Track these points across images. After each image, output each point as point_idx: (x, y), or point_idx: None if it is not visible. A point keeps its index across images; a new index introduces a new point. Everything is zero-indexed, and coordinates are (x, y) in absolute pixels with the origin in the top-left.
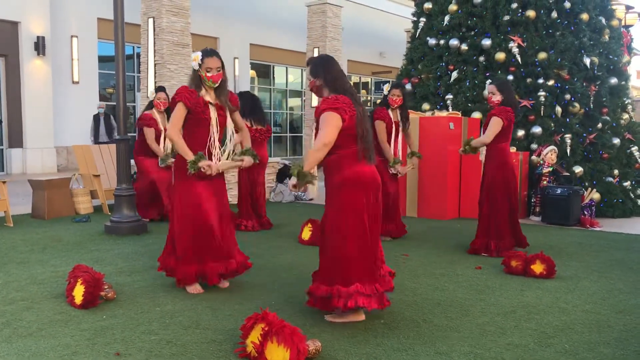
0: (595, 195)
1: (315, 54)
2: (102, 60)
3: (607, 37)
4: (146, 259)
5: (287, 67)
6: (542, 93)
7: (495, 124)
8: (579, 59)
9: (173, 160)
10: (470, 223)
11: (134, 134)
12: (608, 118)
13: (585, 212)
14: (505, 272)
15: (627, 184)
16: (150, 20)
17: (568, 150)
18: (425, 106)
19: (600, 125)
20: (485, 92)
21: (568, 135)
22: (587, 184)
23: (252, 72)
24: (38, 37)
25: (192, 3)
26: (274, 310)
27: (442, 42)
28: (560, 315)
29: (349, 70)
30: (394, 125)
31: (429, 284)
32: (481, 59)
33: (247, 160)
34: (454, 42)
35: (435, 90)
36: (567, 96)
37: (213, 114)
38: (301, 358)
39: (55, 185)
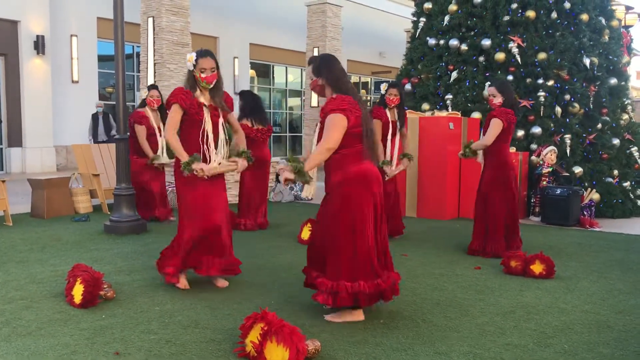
0: (595, 196)
1: (315, 54)
2: (102, 59)
3: (606, 37)
4: (145, 259)
5: (286, 67)
6: (541, 93)
7: (496, 126)
8: (579, 60)
9: (161, 161)
10: (470, 223)
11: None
12: (608, 118)
13: (585, 213)
14: (504, 272)
15: (626, 184)
16: (150, 20)
17: (568, 151)
18: (425, 106)
19: (599, 125)
20: (485, 93)
21: (568, 136)
22: (586, 184)
23: (252, 72)
24: (38, 36)
25: (191, 2)
26: (273, 309)
27: (442, 42)
28: (559, 316)
29: (349, 70)
30: (391, 125)
31: (428, 284)
32: (481, 59)
33: (242, 164)
34: (453, 42)
35: (435, 90)
36: (567, 96)
37: (207, 115)
38: (300, 358)
39: (54, 184)
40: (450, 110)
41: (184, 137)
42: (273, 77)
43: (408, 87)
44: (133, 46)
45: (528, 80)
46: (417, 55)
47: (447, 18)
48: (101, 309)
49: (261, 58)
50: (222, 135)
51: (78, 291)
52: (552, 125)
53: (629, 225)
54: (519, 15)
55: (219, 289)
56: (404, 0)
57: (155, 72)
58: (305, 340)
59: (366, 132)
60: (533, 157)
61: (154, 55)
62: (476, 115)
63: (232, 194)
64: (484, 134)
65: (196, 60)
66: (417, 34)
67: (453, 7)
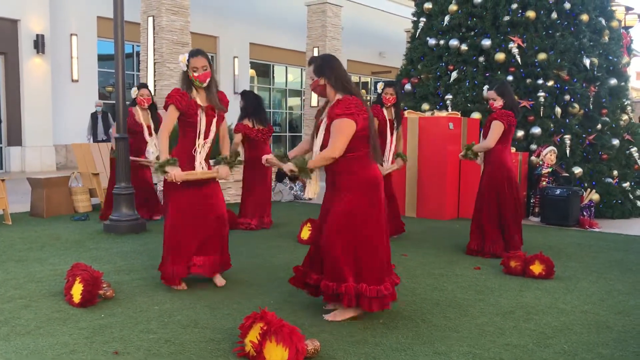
0: (595, 196)
1: (315, 54)
2: (102, 58)
3: (606, 38)
4: (145, 258)
5: (286, 67)
6: (541, 94)
7: (497, 128)
8: (579, 60)
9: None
10: (470, 223)
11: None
12: (607, 119)
13: (585, 213)
14: (504, 273)
15: (626, 185)
16: (150, 19)
17: (567, 151)
18: (425, 106)
19: (599, 126)
20: (485, 94)
21: (567, 136)
22: (586, 184)
23: (252, 72)
24: (37, 35)
25: (191, 2)
26: (272, 309)
27: (442, 42)
28: (559, 316)
29: (349, 70)
30: (388, 124)
31: (428, 284)
32: (481, 59)
33: (223, 171)
34: (453, 42)
35: (435, 91)
36: (567, 97)
37: (202, 116)
38: (300, 357)
39: (54, 183)
40: (450, 110)
41: (182, 137)
42: (273, 77)
43: (408, 87)
44: (133, 45)
45: (528, 80)
46: (417, 55)
47: (447, 18)
48: (100, 308)
49: (261, 58)
50: (211, 136)
51: (77, 290)
52: (551, 125)
53: (629, 225)
54: (519, 15)
55: (218, 288)
56: (404, 0)
57: (155, 72)
58: (304, 340)
59: (373, 133)
60: (533, 158)
61: (154, 55)
62: (476, 115)
63: (232, 194)
64: (483, 136)
65: (188, 60)
66: (417, 34)
67: (453, 7)
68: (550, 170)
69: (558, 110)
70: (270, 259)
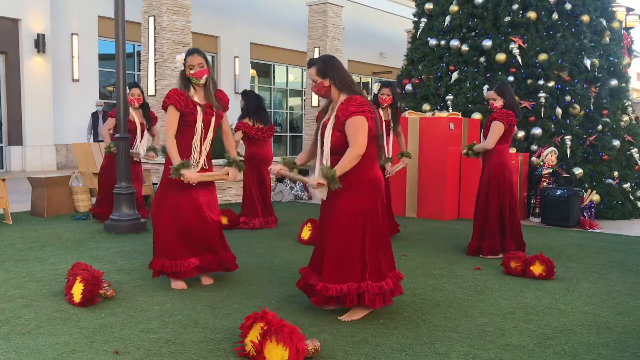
0: (595, 197)
1: (316, 54)
2: (103, 58)
3: (607, 39)
4: (145, 258)
5: (287, 67)
6: (542, 94)
7: (497, 129)
8: (580, 61)
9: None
10: (470, 224)
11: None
12: (608, 120)
13: (585, 214)
14: (504, 273)
15: (626, 185)
16: (151, 19)
17: (568, 152)
18: (426, 107)
19: (600, 127)
20: (485, 94)
21: (568, 137)
22: (586, 185)
23: (253, 71)
24: (38, 35)
25: (192, 2)
26: (273, 309)
27: (442, 42)
28: (559, 317)
29: (349, 70)
30: (384, 124)
31: (428, 285)
32: (482, 59)
33: (232, 174)
34: (454, 42)
35: (436, 91)
36: (568, 98)
37: (200, 115)
38: (300, 357)
39: (54, 183)
40: (450, 110)
41: (180, 136)
42: (274, 77)
43: (409, 87)
44: (134, 45)
45: (529, 81)
46: (418, 56)
47: (448, 19)
48: (101, 308)
49: (262, 58)
50: (210, 135)
51: (78, 290)
52: (552, 126)
53: (629, 226)
54: (520, 16)
55: (219, 288)
56: (405, 1)
57: (156, 72)
58: (305, 340)
59: (379, 133)
60: (533, 158)
61: (155, 55)
62: (477, 115)
63: (233, 194)
64: (484, 136)
65: (185, 59)
66: (418, 34)
67: (454, 8)
68: (550, 171)
69: (559, 111)
70: (270, 259)
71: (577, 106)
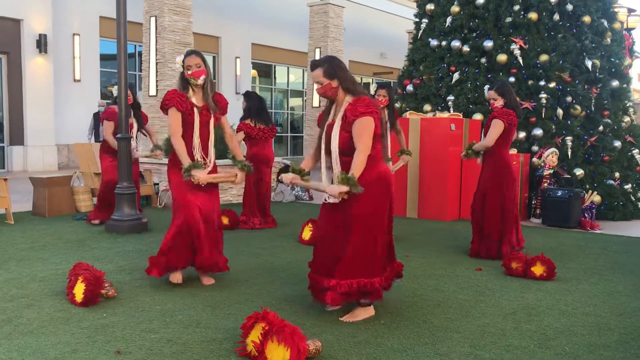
0: (596, 198)
1: (317, 54)
2: (104, 58)
3: (609, 39)
4: (147, 257)
5: (288, 67)
6: (543, 95)
7: (497, 127)
8: (581, 62)
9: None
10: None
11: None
12: (609, 121)
13: (586, 215)
14: (505, 274)
15: (628, 186)
16: (153, 19)
17: (569, 153)
18: (427, 107)
19: (601, 127)
20: (486, 95)
21: (569, 138)
22: (587, 186)
23: (254, 72)
24: (40, 35)
25: (194, 2)
26: (274, 309)
27: (443, 43)
28: (560, 318)
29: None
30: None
31: (429, 285)
32: (483, 60)
33: (240, 177)
34: (455, 43)
35: (437, 92)
36: (569, 98)
37: (197, 117)
38: (301, 358)
39: (56, 183)
40: (451, 111)
41: None
42: (275, 77)
43: (410, 88)
44: (135, 45)
45: (530, 82)
46: (419, 57)
47: (449, 19)
48: (102, 308)
49: (263, 58)
50: (211, 137)
51: (79, 290)
52: (553, 127)
53: (630, 227)
54: (521, 16)
55: (219, 288)
56: (406, 2)
57: (157, 72)
58: (306, 340)
59: (384, 132)
60: (534, 159)
61: (156, 55)
62: (478, 116)
63: (234, 194)
64: (484, 135)
65: (183, 61)
66: (419, 35)
67: (455, 9)
68: (551, 171)
69: (560, 111)
70: (271, 259)
71: (578, 107)
